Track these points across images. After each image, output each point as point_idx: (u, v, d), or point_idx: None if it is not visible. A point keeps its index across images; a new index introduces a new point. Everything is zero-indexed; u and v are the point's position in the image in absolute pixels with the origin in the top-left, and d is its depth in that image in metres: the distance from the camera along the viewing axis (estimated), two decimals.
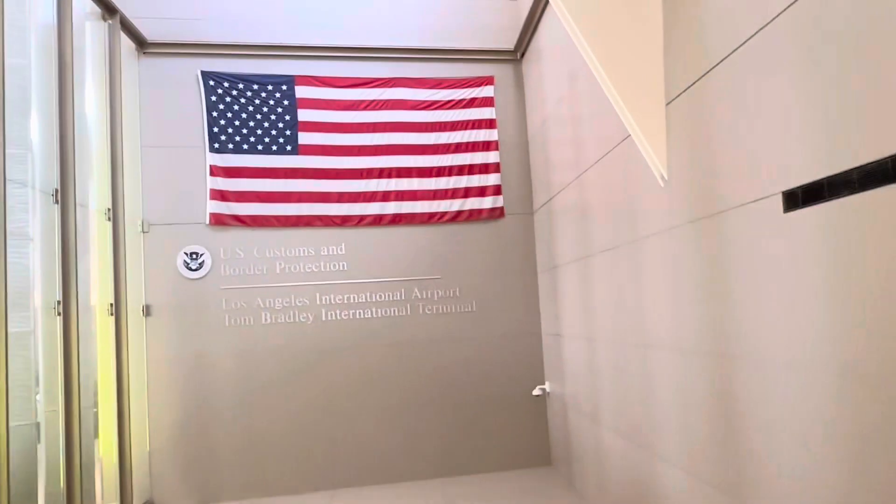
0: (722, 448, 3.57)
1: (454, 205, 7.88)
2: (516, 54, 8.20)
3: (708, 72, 3.55)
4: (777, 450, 3.06)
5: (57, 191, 5.51)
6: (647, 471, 4.68)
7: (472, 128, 8.01)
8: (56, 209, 5.52)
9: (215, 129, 7.47)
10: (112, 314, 6.42)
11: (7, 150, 4.75)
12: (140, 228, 7.26)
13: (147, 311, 7.23)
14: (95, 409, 6.62)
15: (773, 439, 3.09)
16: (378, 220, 7.74)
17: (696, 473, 3.87)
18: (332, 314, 7.60)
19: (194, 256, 7.36)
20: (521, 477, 7.46)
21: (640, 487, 4.84)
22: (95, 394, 6.91)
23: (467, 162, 7.97)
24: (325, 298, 7.61)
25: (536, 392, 7.74)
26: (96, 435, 6.66)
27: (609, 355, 5.46)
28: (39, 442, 5.74)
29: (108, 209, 6.51)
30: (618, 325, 5.22)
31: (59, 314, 5.41)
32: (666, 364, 4.28)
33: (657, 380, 4.44)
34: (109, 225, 6.51)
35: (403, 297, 7.76)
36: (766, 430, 3.13)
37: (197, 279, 7.37)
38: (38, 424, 5.47)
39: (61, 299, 5.42)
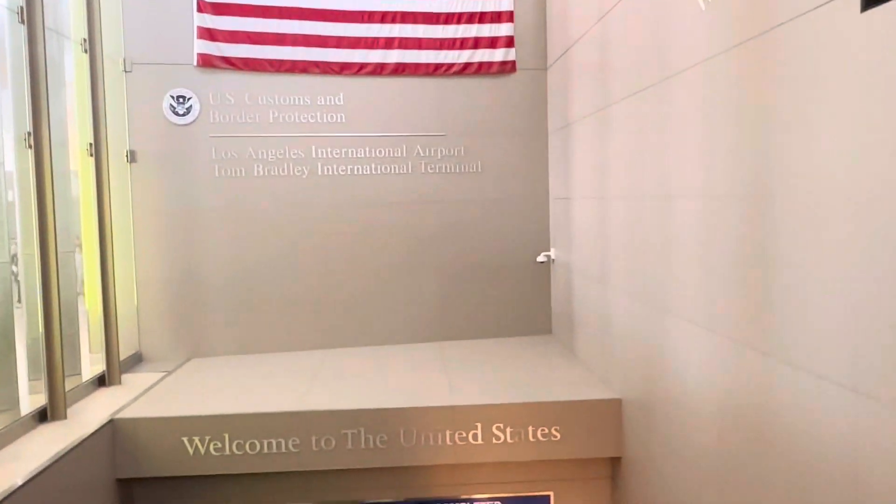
0: (748, 301, 3.22)
1: (462, 56, 7.28)
2: None
3: None
4: (813, 300, 2.69)
5: (22, 9, 4.94)
6: (657, 330, 4.37)
7: None
8: (23, 30, 4.98)
9: None
10: (91, 155, 5.98)
11: None
12: (122, 67, 6.70)
13: (131, 156, 6.79)
14: (78, 255, 6.31)
15: (809, 289, 2.72)
16: (379, 70, 7.17)
17: (715, 329, 3.54)
18: (328, 169, 7.17)
19: (181, 100, 6.85)
20: (521, 343, 7.24)
21: (648, 349, 4.55)
22: (78, 237, 6.58)
23: (478, 9, 7.31)
24: (322, 152, 7.15)
25: (541, 258, 7.42)
26: (82, 286, 6.39)
27: (623, 213, 5.06)
28: (16, 281, 5.46)
29: (84, 39, 5.94)
30: (635, 179, 4.79)
31: (29, 146, 4.97)
32: (689, 215, 3.88)
33: (677, 233, 4.05)
34: (86, 58, 5.96)
35: (404, 155, 7.30)
36: (804, 280, 2.76)
37: (184, 125, 6.89)
38: (13, 259, 5.16)
39: (31, 131, 4.97)
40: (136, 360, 6.79)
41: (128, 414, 5.17)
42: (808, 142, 2.73)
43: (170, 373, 6.39)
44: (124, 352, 6.50)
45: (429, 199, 7.30)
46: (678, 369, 4.07)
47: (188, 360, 6.87)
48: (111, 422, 5.01)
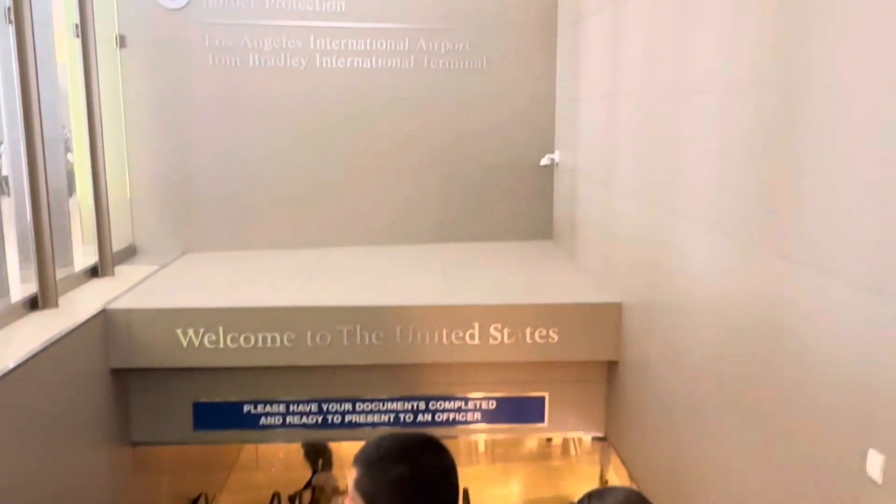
0: (765, 200, 3.06)
1: None
2: None
3: None
4: (836, 199, 2.53)
5: None
6: (664, 233, 4.23)
7: None
8: None
9: None
10: (78, 36, 5.69)
11: None
12: None
13: (121, 41, 6.48)
14: (67, 140, 6.12)
15: (831, 188, 2.55)
16: None
17: (730, 232, 3.40)
18: (327, 61, 6.86)
19: None
20: (521, 248, 7.13)
21: (653, 252, 4.43)
22: (67, 128, 6.38)
23: None
24: (320, 43, 6.83)
25: (544, 161, 7.21)
26: (72, 180, 6.22)
27: (634, 112, 4.84)
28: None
29: None
30: (649, 74, 4.55)
31: (10, 22, 4.70)
32: (706, 111, 3.68)
33: (692, 131, 3.85)
34: None
35: (407, 48, 6.98)
36: (826, 179, 2.59)
37: (176, 9, 6.55)
38: None
39: (11, 5, 4.68)
40: (129, 253, 6.69)
41: (121, 304, 5.10)
42: (841, 29, 2.51)
43: (164, 266, 6.30)
44: (117, 244, 6.39)
45: (431, 95, 7.03)
46: (684, 273, 3.95)
47: (183, 254, 6.76)
48: (103, 311, 4.94)
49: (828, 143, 2.61)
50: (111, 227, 6.08)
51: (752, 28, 3.20)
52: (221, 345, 5.00)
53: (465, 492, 7.27)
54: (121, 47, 6.49)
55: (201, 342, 4.99)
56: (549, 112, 7.20)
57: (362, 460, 1.11)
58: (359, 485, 1.09)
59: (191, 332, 4.97)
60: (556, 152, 7.16)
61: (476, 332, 5.06)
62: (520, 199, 7.35)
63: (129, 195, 6.69)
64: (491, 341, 5.08)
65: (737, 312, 3.32)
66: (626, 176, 5.00)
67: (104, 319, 4.92)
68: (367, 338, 5.05)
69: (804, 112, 2.76)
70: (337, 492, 7.23)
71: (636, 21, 4.80)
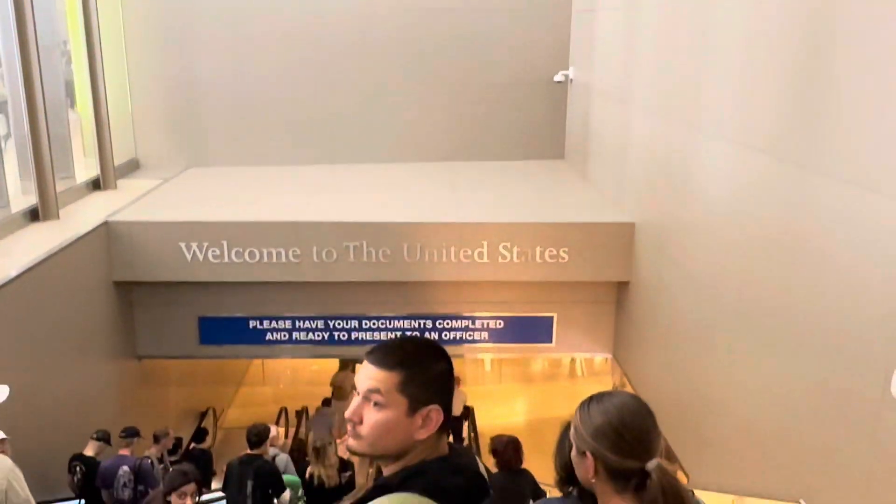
0: (799, 113, 2.89)
1: None
2: None
3: None
4: (871, 110, 2.37)
5: None
6: (683, 149, 4.06)
7: None
8: None
9: None
10: None
11: None
12: None
13: None
14: (66, 51, 5.91)
15: (865, 98, 2.38)
16: None
17: (754, 146, 3.23)
18: None
19: None
20: (532, 166, 6.95)
21: (670, 170, 4.27)
22: (65, 42, 6.14)
23: None
24: None
25: (558, 78, 6.96)
26: (71, 94, 6.03)
27: (656, 20, 4.61)
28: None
29: None
30: None
31: None
32: (734, 17, 3.46)
33: (717, 40, 3.64)
34: None
35: None
36: (872, 89, 2.42)
37: None
38: None
39: None
40: (132, 167, 6.56)
41: (123, 217, 5.00)
42: None
43: (167, 180, 6.17)
44: (120, 157, 6.25)
45: (442, 7, 6.74)
46: (703, 190, 3.81)
47: (186, 168, 6.62)
48: (105, 223, 4.85)
49: (865, 52, 2.43)
50: (113, 139, 5.93)
51: None
52: (226, 259, 4.92)
53: (470, 410, 7.33)
54: None
55: (205, 256, 4.91)
56: (564, 26, 6.90)
57: (402, 363, 1.11)
58: (404, 387, 1.10)
59: (195, 245, 4.89)
60: (571, 68, 6.90)
61: (485, 250, 4.96)
62: (532, 116, 7.13)
63: (130, 107, 6.50)
64: (500, 260, 4.98)
65: (757, 229, 3.19)
66: (645, 91, 4.79)
67: (106, 232, 4.84)
68: (373, 254, 4.95)
69: (841, 20, 2.57)
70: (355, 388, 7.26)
71: None
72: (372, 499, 1.08)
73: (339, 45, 6.69)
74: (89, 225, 4.71)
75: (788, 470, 2.97)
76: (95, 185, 5.80)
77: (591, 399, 1.19)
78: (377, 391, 1.10)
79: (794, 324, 2.89)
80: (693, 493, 1.26)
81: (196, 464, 4.31)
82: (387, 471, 1.15)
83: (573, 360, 7.67)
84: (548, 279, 5.11)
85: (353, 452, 1.18)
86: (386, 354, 1.12)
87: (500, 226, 5.00)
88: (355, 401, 1.14)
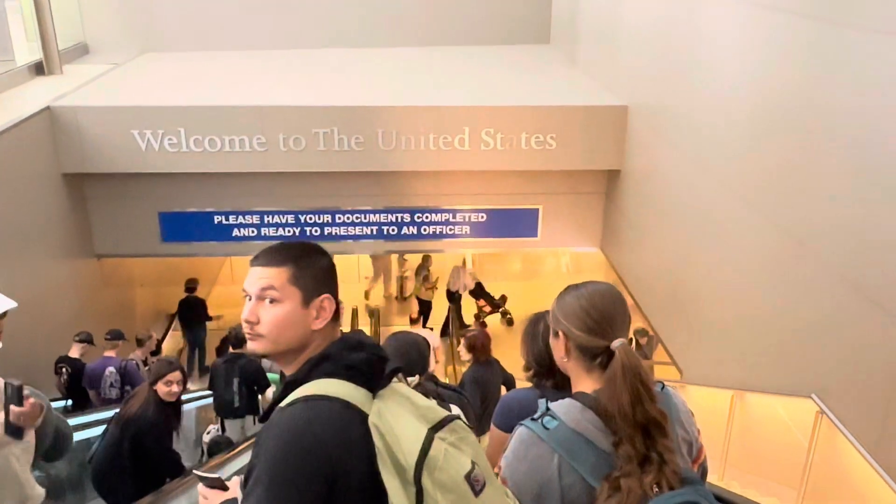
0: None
1: None
2: None
3: None
4: None
5: None
6: (686, 18, 3.65)
7: None
8: None
9: None
10: None
11: None
12: None
13: None
14: None
15: None
16: None
17: (765, 3, 2.84)
18: None
19: None
20: (515, 51, 6.48)
21: (669, 44, 3.86)
22: None
23: None
24: None
25: None
26: None
27: None
28: None
29: None
30: None
31: None
32: None
33: None
34: None
35: None
36: None
37: None
38: None
39: None
40: (81, 52, 6.02)
41: (68, 102, 4.53)
42: None
43: (118, 65, 5.65)
44: (66, 40, 5.72)
45: None
46: (708, 62, 3.43)
47: (141, 53, 6.08)
48: (48, 109, 4.38)
49: None
50: (58, 21, 5.37)
51: None
52: (184, 148, 4.51)
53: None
54: None
55: (161, 145, 4.49)
56: None
57: (290, 259, 1.17)
58: (296, 280, 1.15)
59: (148, 133, 4.45)
60: None
61: (466, 136, 4.58)
62: None
63: None
64: (482, 147, 4.61)
65: (769, 99, 2.84)
66: None
67: (49, 117, 4.37)
68: (345, 142, 4.55)
69: None
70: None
71: None
72: (285, 395, 1.09)
73: None
74: (29, 110, 4.24)
75: (798, 362, 2.74)
76: (39, 69, 5.28)
77: (568, 287, 1.24)
78: (271, 287, 1.15)
79: (808, 203, 2.59)
80: (676, 389, 1.22)
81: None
82: (291, 368, 1.18)
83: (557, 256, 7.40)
84: (533, 168, 4.77)
85: (255, 354, 1.19)
86: (273, 254, 1.17)
87: (482, 109, 4.60)
88: (249, 304, 1.17)
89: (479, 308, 6.67)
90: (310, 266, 1.16)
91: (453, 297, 6.35)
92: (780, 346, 2.86)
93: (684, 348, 3.88)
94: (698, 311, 3.64)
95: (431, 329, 6.92)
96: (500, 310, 6.63)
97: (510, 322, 6.58)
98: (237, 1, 6.22)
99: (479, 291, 6.57)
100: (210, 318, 5.85)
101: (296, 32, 6.34)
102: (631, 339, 6.24)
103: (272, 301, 1.13)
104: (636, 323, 4.69)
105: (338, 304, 1.19)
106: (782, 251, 2.79)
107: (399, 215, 5.04)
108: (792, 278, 2.74)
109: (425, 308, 6.54)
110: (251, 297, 1.16)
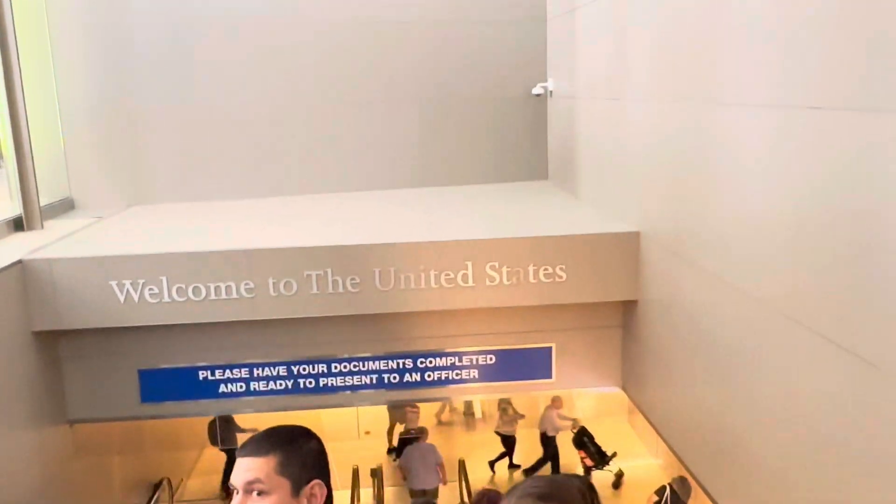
0: (864, 58, 2.28)
1: None
2: None
3: None
4: None
5: None
6: (701, 134, 3.44)
7: None
8: None
9: None
10: None
11: None
12: None
13: None
14: None
15: None
16: None
17: (797, 102, 2.60)
18: None
19: None
20: (514, 189, 6.32)
21: (685, 160, 3.64)
22: None
23: None
24: None
25: (537, 90, 6.40)
26: None
27: (648, 7, 4.04)
28: None
29: None
30: None
31: None
32: None
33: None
34: None
35: None
36: None
37: None
38: None
39: None
40: (66, 207, 5.83)
41: (42, 255, 4.24)
42: None
43: (102, 218, 5.43)
44: (53, 195, 5.57)
45: (405, 19, 6.18)
46: (731, 175, 3.17)
47: (128, 207, 5.89)
48: (20, 262, 4.08)
49: None
50: (44, 175, 5.24)
51: None
52: (166, 298, 4.17)
53: (462, 463, 6.55)
54: None
55: (141, 296, 4.15)
56: (539, 33, 6.37)
57: (276, 446, 1.12)
58: (283, 469, 1.10)
59: (128, 284, 4.13)
60: (550, 79, 6.35)
61: (469, 272, 4.26)
62: (509, 134, 6.55)
63: (61, 137, 5.79)
64: (487, 282, 4.29)
65: (816, 222, 2.53)
66: (643, 76, 4.20)
67: (21, 272, 4.07)
68: (340, 284, 4.23)
69: None
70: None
71: None
72: None
73: (297, 63, 6.09)
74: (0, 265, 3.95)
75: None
76: (18, 225, 5.04)
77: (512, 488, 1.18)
78: (258, 480, 1.10)
79: (877, 318, 2.22)
80: None
81: None
82: None
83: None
84: (543, 302, 4.41)
85: None
86: (259, 443, 1.14)
87: (485, 242, 4.31)
88: (237, 498, 1.13)
89: (581, 460, 6.03)
90: (297, 452, 1.15)
91: (547, 441, 5.80)
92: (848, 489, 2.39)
93: (730, 494, 3.38)
94: (744, 450, 3.17)
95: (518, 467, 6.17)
96: (607, 467, 5.98)
97: (616, 484, 5.93)
98: (228, 151, 6.11)
99: (579, 440, 5.95)
100: None
101: (288, 179, 6.21)
102: (664, 487, 5.63)
103: (260, 493, 1.12)
104: (670, 469, 4.18)
105: (329, 489, 1.18)
106: (850, 377, 2.38)
107: (400, 361, 4.63)
108: (863, 408, 2.32)
109: (508, 444, 5.99)
110: (238, 492, 1.14)
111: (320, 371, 4.62)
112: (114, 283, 4.14)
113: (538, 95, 6.42)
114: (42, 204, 5.22)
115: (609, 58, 4.76)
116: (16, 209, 5.14)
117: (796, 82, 2.61)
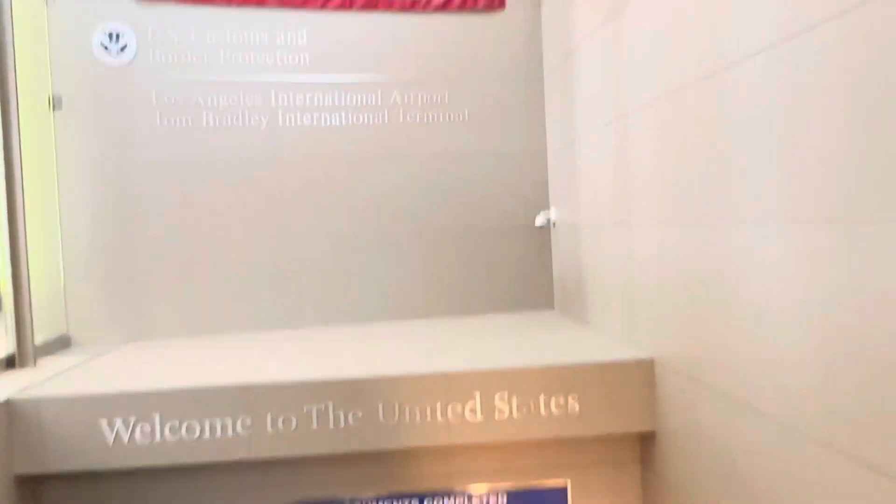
0: (865, 174, 2.23)
1: None
2: None
3: None
4: None
5: None
6: (715, 256, 3.36)
7: None
8: None
9: None
10: None
11: None
12: None
13: (56, 103, 5.72)
14: None
15: None
16: (348, 4, 6.18)
17: (810, 216, 2.53)
18: (290, 119, 6.14)
19: (114, 38, 5.80)
20: (519, 319, 6.20)
21: (697, 283, 3.54)
22: None
23: None
24: (283, 98, 6.12)
25: (540, 221, 6.41)
26: None
27: (655, 119, 4.08)
28: None
29: None
30: (672, 65, 3.82)
31: None
32: (766, 65, 2.90)
33: (742, 110, 3.06)
34: None
35: (380, 102, 6.29)
36: None
37: (119, 67, 5.83)
38: None
39: None
40: (62, 344, 5.68)
41: (31, 394, 4.06)
42: None
43: (98, 355, 5.28)
44: (49, 332, 5.44)
45: (408, 153, 6.30)
46: (752, 298, 3.05)
47: (126, 343, 5.75)
48: (6, 402, 3.90)
49: None
50: (41, 312, 5.14)
51: None
52: (158, 437, 3.95)
53: None
54: (56, 109, 5.71)
55: (131, 435, 3.94)
56: (540, 164, 6.47)
57: None
58: None
59: (118, 422, 3.93)
60: (552, 209, 6.37)
61: (477, 404, 4.07)
62: (513, 265, 6.50)
63: (62, 276, 5.73)
64: (496, 416, 4.08)
65: (843, 338, 2.40)
66: (650, 201, 4.17)
67: (6, 413, 3.88)
68: (342, 419, 4.03)
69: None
70: None
71: (645, 18, 4.11)
72: None
73: (297, 199, 6.15)
74: None
75: None
76: (10, 363, 4.89)
77: None
78: None
79: None
80: None
81: None
82: None
83: None
84: (556, 436, 4.17)
85: None
86: None
87: (493, 373, 4.13)
88: None
89: None
90: None
91: None
92: None
93: None
94: None
95: None
96: None
97: None
98: (231, 282, 6.04)
99: None
100: None
101: (291, 313, 6.11)
102: None
103: None
104: None
105: None
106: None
107: (406, 501, 4.34)
108: None
109: None
110: None
111: None
112: (103, 422, 3.94)
113: (541, 226, 6.41)
114: (38, 341, 5.09)
115: (613, 184, 4.77)
116: (9, 347, 5.01)
117: (811, 197, 2.55)
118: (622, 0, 4.38)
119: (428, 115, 6.33)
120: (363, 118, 6.24)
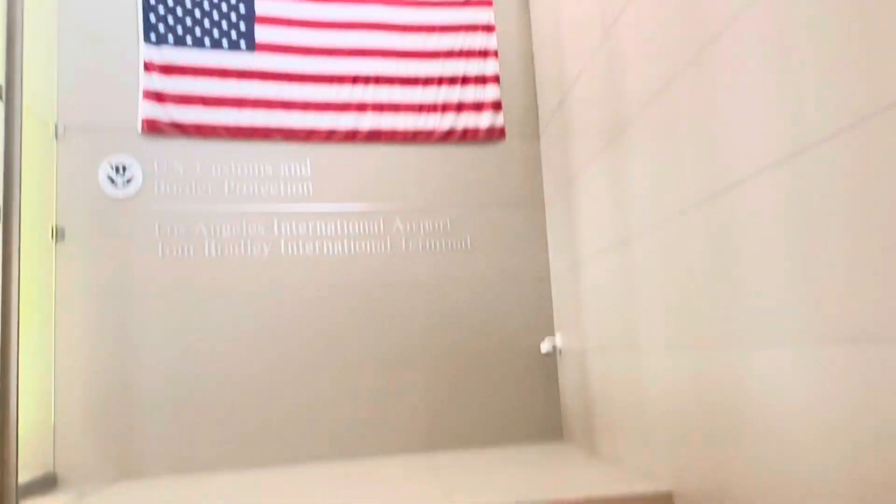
0: (870, 291, 2.15)
1: (445, 121, 6.49)
2: None
3: None
4: None
5: None
6: (729, 376, 3.21)
7: (467, 31, 6.66)
8: None
9: (152, 17, 6.07)
10: None
11: None
12: (53, 130, 5.80)
13: (59, 234, 5.73)
14: None
15: None
16: (352, 136, 6.33)
17: (828, 336, 2.42)
18: (293, 248, 6.14)
19: (121, 170, 5.89)
20: (526, 452, 5.93)
21: (714, 409, 3.37)
22: None
23: (461, 72, 6.60)
24: (285, 228, 6.15)
25: (545, 348, 6.27)
26: None
27: (656, 242, 4.04)
28: None
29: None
30: (672, 189, 3.81)
31: None
32: (765, 196, 2.87)
33: (749, 230, 3.01)
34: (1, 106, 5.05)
35: (382, 230, 6.31)
36: None
37: (124, 199, 5.90)
38: None
39: None
40: (48, 483, 5.40)
41: None
42: None
43: (84, 496, 5.00)
44: (33, 471, 5.18)
45: (411, 281, 6.25)
46: (773, 422, 2.89)
47: (115, 481, 5.48)
48: None
49: None
50: (27, 448, 4.91)
51: (812, 71, 2.49)
52: None
53: None
54: (58, 241, 5.72)
55: None
56: (544, 291, 6.40)
57: None
58: None
59: None
60: (557, 336, 6.25)
61: None
62: (519, 395, 6.31)
63: (52, 412, 5.54)
64: None
65: (876, 462, 2.24)
66: (658, 327, 4.06)
67: None
68: None
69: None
70: None
71: (644, 142, 4.16)
72: None
73: (299, 330, 6.03)
74: None
75: None
76: None
77: None
78: None
79: None
80: None
81: None
82: None
83: None
84: None
85: None
86: None
87: None
88: None
89: None
90: None
91: None
92: None
93: None
94: None
95: None
96: None
97: None
98: (227, 419, 5.82)
99: None
100: None
101: (290, 447, 5.85)
102: None
103: None
104: None
105: None
106: None
107: None
108: None
109: None
110: None
111: None
112: None
113: (547, 353, 6.27)
114: (21, 481, 4.83)
115: (619, 309, 4.68)
116: None
117: (826, 315, 2.45)
118: (619, 129, 4.46)
119: (431, 243, 6.34)
120: (366, 246, 6.25)
